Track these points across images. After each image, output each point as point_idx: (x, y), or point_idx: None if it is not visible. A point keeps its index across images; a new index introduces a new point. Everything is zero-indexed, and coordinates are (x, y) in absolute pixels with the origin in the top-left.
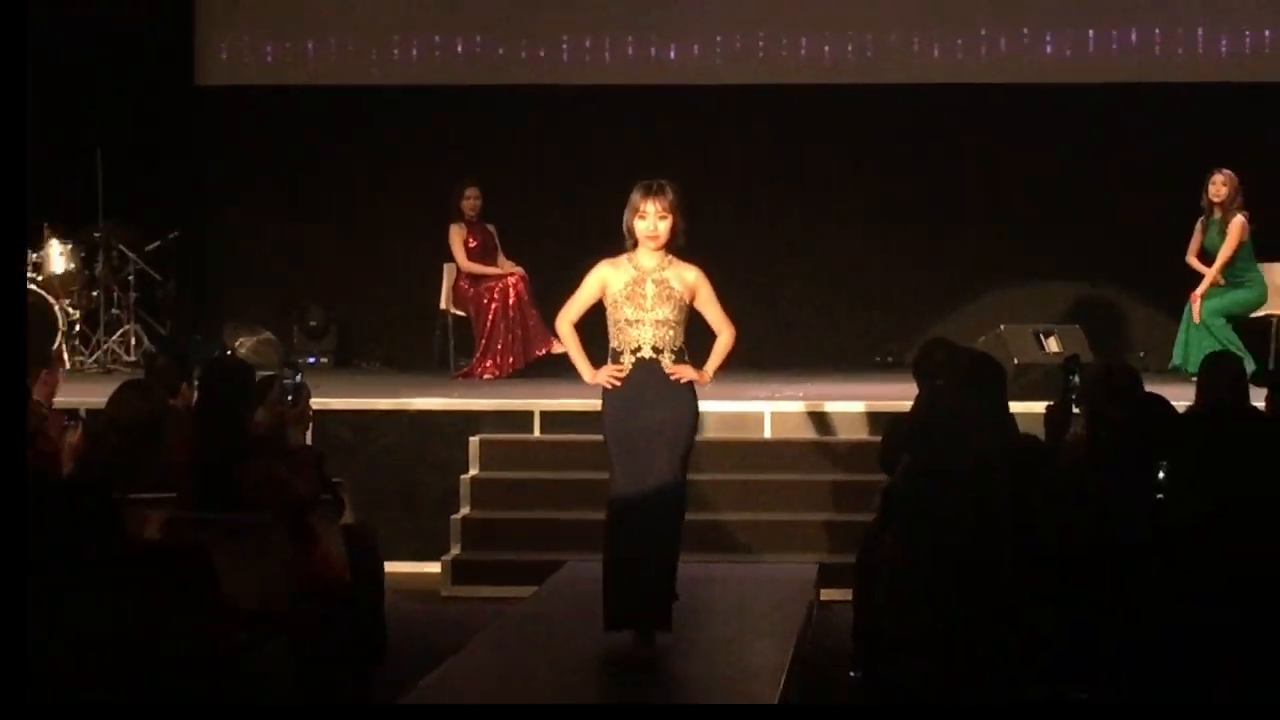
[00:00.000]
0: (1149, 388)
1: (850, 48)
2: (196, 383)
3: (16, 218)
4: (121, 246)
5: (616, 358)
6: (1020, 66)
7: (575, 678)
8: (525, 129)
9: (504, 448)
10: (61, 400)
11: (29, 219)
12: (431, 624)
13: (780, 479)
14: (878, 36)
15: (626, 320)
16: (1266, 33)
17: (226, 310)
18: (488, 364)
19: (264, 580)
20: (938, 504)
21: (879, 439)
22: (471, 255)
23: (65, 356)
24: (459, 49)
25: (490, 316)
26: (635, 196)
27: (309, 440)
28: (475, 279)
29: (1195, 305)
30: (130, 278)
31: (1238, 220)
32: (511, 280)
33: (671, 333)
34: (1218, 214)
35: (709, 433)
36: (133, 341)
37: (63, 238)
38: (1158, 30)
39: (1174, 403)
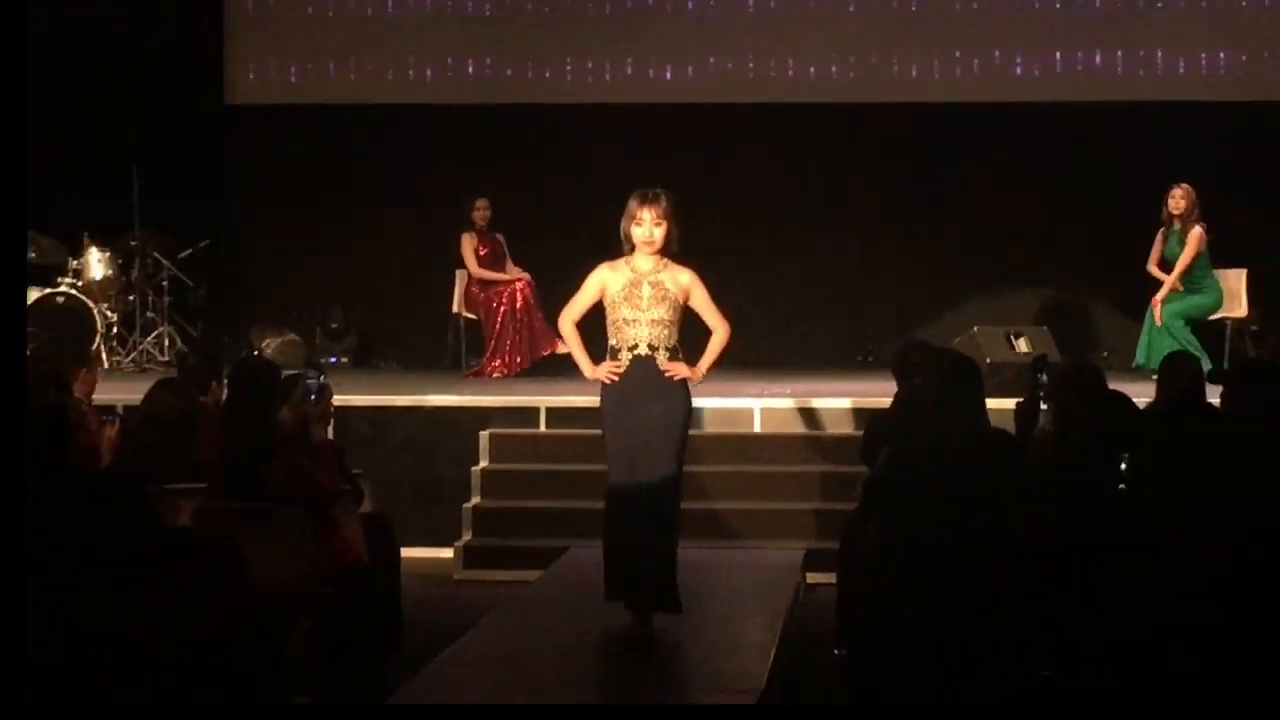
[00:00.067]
0: (1112, 385)
1: (834, 69)
2: (226, 381)
3: (16, 218)
4: (156, 254)
5: (615, 354)
6: (993, 86)
7: (578, 654)
8: (532, 144)
9: (512, 441)
10: (100, 397)
11: (28, 220)
12: (445, 605)
13: (769, 470)
14: (859, 58)
15: (624, 320)
16: (1221, 55)
17: (253, 313)
18: (497, 363)
19: (289, 565)
20: (915, 495)
21: (862, 433)
22: (482, 262)
23: (104, 357)
24: (470, 70)
25: (499, 319)
26: (632, 204)
27: (331, 435)
28: (485, 284)
29: (1156, 309)
30: (164, 283)
31: (1196, 231)
32: (519, 285)
33: (666, 331)
34: (1177, 225)
35: (704, 427)
36: (166, 343)
37: (102, 246)
38: (1120, 53)
39: (1136, 399)
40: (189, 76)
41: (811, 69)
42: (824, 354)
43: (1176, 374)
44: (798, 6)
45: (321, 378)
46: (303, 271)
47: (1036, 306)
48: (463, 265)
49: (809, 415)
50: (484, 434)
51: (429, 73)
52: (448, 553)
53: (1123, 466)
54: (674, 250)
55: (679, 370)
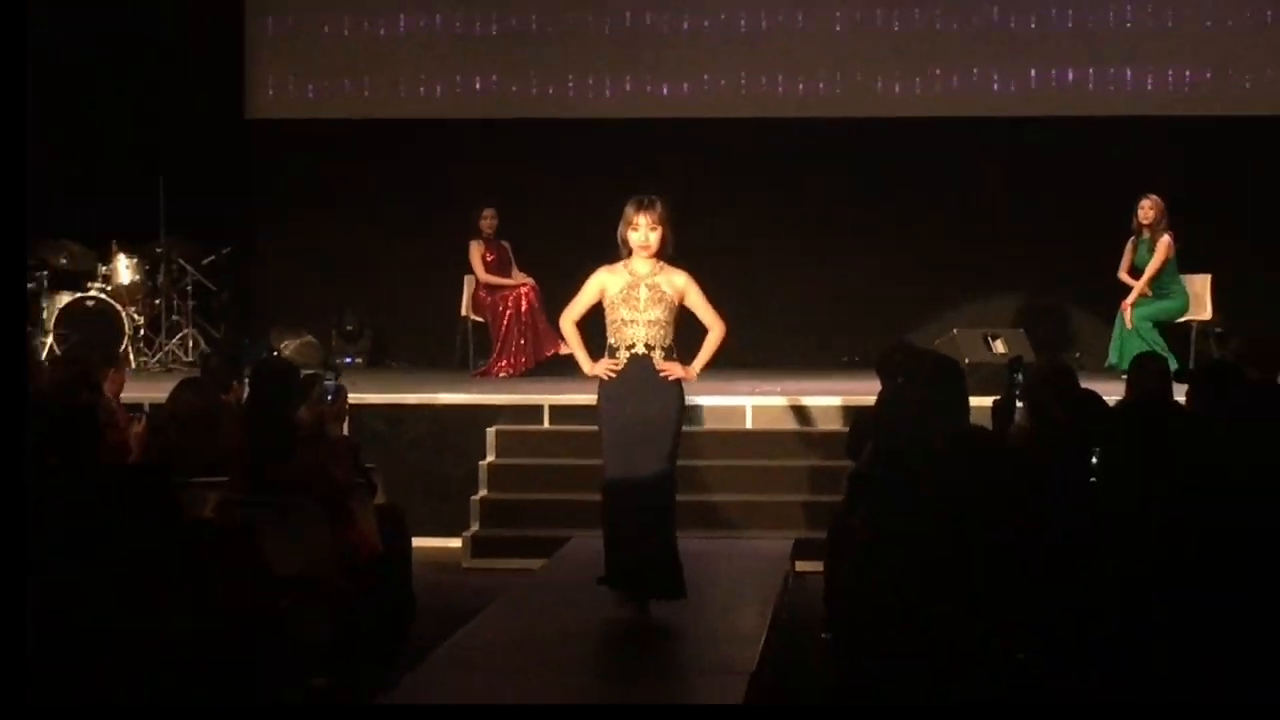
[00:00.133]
0: (1085, 384)
1: (821, 85)
2: (247, 380)
3: (16, 219)
4: (181, 260)
5: (613, 353)
6: (971, 101)
7: (580, 638)
8: (536, 157)
9: (517, 437)
10: (128, 396)
11: (28, 221)
12: (454, 592)
13: (761, 465)
14: (845, 75)
15: (622, 320)
16: (1187, 72)
17: (273, 316)
18: (503, 364)
19: (307, 555)
20: (898, 488)
21: (848, 430)
22: (489, 268)
23: (131, 357)
24: (478, 87)
25: (505, 322)
26: (628, 210)
27: (346, 432)
28: (492, 289)
29: (1126, 313)
30: (188, 287)
31: (1164, 239)
32: (524, 290)
33: (662, 331)
34: (1146, 234)
35: (700, 424)
36: (190, 344)
37: (129, 253)
38: (1091, 70)
39: (1106, 397)
40: (214, 93)
41: (801, 85)
42: (812, 355)
43: (1145, 374)
44: (788, 27)
45: (338, 380)
46: (319, 277)
47: (1013, 310)
48: (471, 271)
49: (798, 412)
50: (491, 430)
51: (439, 89)
52: (457, 542)
53: (1094, 461)
54: (669, 254)
55: (673, 370)
